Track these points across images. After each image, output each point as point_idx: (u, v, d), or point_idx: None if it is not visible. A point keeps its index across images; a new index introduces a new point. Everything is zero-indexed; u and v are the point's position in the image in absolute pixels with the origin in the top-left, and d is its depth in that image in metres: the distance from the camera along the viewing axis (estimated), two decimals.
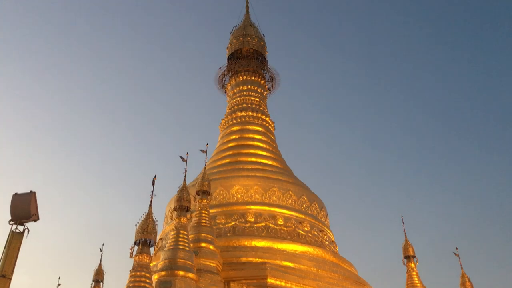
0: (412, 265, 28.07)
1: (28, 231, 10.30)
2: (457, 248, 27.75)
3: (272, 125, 36.41)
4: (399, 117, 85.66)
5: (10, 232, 10.10)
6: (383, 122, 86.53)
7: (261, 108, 36.53)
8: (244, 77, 37.57)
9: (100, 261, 29.57)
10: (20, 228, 10.20)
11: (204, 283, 19.68)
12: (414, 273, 27.74)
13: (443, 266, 64.73)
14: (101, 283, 28.66)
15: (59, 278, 29.17)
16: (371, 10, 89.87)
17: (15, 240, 10.01)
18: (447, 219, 76.92)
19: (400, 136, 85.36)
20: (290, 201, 29.01)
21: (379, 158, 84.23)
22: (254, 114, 35.41)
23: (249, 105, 36.07)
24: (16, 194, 10.10)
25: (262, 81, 38.28)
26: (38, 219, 10.43)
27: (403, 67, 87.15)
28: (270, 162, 32.30)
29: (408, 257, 28.33)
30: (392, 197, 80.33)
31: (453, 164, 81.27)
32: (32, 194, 10.27)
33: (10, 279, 9.33)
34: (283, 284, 22.21)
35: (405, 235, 28.97)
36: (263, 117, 35.81)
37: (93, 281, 28.57)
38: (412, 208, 75.51)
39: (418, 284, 27.05)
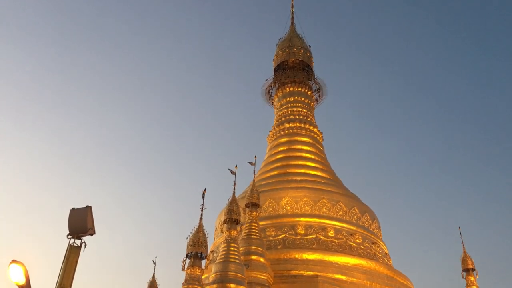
0: (472, 278, 26.82)
1: (85, 245, 10.52)
2: None
3: (320, 136, 36.03)
4: (454, 124, 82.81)
5: (68, 245, 10.36)
6: (438, 131, 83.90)
7: (309, 119, 36.27)
8: (291, 88, 37.49)
9: (154, 273, 30.10)
10: (78, 242, 10.43)
11: None
12: (474, 287, 26.48)
13: (506, 279, 61.50)
14: None
15: None
16: (417, 19, 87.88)
17: (73, 254, 10.24)
18: (508, 229, 73.18)
19: (456, 145, 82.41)
20: (340, 212, 28.49)
21: (434, 167, 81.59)
22: (302, 125, 35.20)
23: (297, 116, 35.89)
24: (73, 209, 10.37)
25: (309, 92, 38.05)
26: (94, 233, 10.65)
27: (452, 76, 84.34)
28: (319, 173, 31.91)
29: (467, 270, 27.11)
30: (448, 207, 77.43)
31: None
32: (88, 209, 10.51)
33: None
34: None
35: (463, 247, 27.78)
36: (311, 128, 35.51)
37: None
38: (471, 218, 72.47)
39: None
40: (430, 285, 67.94)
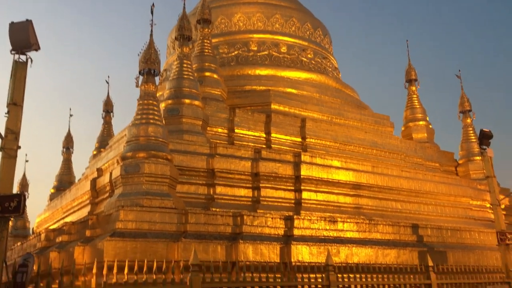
0: (414, 88, 28.80)
1: (32, 61, 10.31)
2: (459, 71, 28.08)
3: None
4: None
5: (13, 61, 10.14)
6: None
7: None
8: None
9: (108, 92, 30.51)
10: (23, 57, 10.19)
11: (210, 110, 20.34)
12: (415, 96, 28.58)
13: (444, 89, 66.28)
14: (111, 113, 29.99)
15: (70, 109, 30.48)
16: None
17: (19, 70, 10.09)
18: (451, 44, 76.17)
19: None
20: (293, 28, 28.36)
21: None
22: None
23: None
24: (12, 22, 9.89)
25: None
26: (39, 48, 10.36)
27: None
28: None
29: (410, 81, 28.97)
30: (397, 22, 78.48)
31: None
32: (29, 23, 10.04)
33: (22, 106, 9.65)
34: (286, 109, 22.89)
35: (409, 59, 29.13)
36: None
37: (103, 111, 29.87)
38: (417, 33, 74.36)
39: (418, 106, 28.10)
40: (375, 96, 72.57)
